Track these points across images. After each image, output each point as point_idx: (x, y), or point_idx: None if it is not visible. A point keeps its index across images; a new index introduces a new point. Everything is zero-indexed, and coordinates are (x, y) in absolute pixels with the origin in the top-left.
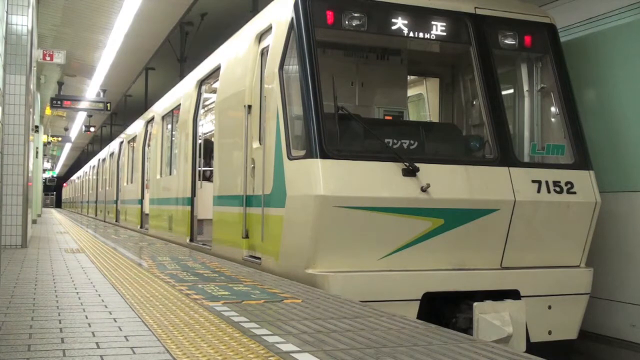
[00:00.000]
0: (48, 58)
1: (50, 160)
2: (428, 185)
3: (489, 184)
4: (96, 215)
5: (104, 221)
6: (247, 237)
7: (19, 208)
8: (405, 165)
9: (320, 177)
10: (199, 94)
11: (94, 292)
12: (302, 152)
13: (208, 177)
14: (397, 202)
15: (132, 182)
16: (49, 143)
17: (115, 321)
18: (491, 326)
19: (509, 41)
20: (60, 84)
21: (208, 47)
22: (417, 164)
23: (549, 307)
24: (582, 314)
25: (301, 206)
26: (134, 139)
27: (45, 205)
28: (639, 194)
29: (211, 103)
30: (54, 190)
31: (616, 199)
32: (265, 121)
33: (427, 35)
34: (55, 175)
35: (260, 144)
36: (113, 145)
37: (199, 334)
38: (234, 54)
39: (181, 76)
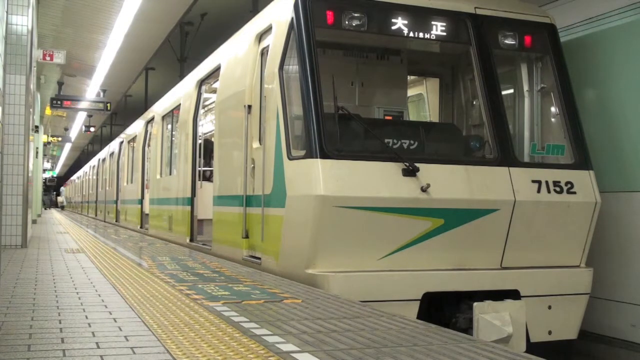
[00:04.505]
0: (48, 58)
1: (50, 160)
2: (428, 185)
3: (489, 184)
4: (96, 215)
5: (104, 221)
6: (247, 237)
7: (19, 208)
8: (405, 165)
9: (320, 177)
10: (199, 94)
11: (94, 292)
12: (302, 152)
13: (208, 177)
14: (397, 202)
15: (132, 182)
16: (49, 143)
17: (115, 321)
18: (491, 326)
19: (509, 41)
20: (60, 84)
21: (208, 47)
22: (417, 164)
23: (549, 307)
24: (582, 314)
25: (301, 206)
26: (134, 139)
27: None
28: (639, 194)
29: (211, 103)
30: (54, 190)
31: (616, 199)
32: (265, 121)
33: (427, 35)
34: (55, 175)
35: (260, 144)
36: (113, 145)
37: (199, 334)
38: (234, 54)
39: (181, 76)
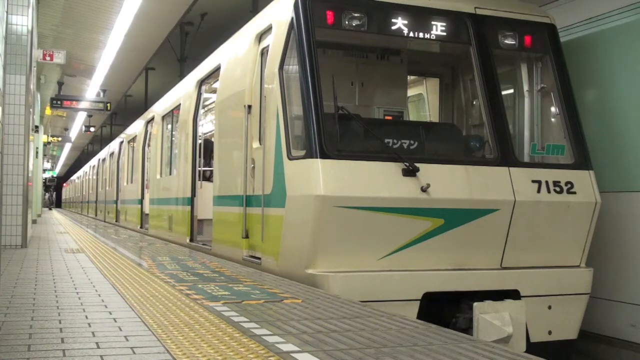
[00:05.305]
0: (48, 58)
1: (50, 160)
2: (428, 185)
3: (489, 184)
4: (96, 215)
5: (104, 221)
6: (247, 237)
7: (19, 208)
8: (405, 165)
9: (320, 177)
10: (199, 94)
11: (94, 292)
12: (302, 152)
13: (208, 177)
14: (397, 202)
15: (132, 182)
16: (49, 143)
17: (115, 321)
18: (491, 326)
19: (509, 41)
20: (60, 84)
21: (208, 47)
22: (417, 164)
23: (549, 307)
24: (582, 314)
25: (301, 206)
26: (134, 139)
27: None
28: (639, 194)
29: (211, 103)
30: (54, 190)
31: (616, 199)
32: (265, 121)
33: (427, 35)
34: (55, 175)
35: (260, 144)
36: (113, 145)
37: (199, 334)
38: (234, 54)
39: (181, 76)
